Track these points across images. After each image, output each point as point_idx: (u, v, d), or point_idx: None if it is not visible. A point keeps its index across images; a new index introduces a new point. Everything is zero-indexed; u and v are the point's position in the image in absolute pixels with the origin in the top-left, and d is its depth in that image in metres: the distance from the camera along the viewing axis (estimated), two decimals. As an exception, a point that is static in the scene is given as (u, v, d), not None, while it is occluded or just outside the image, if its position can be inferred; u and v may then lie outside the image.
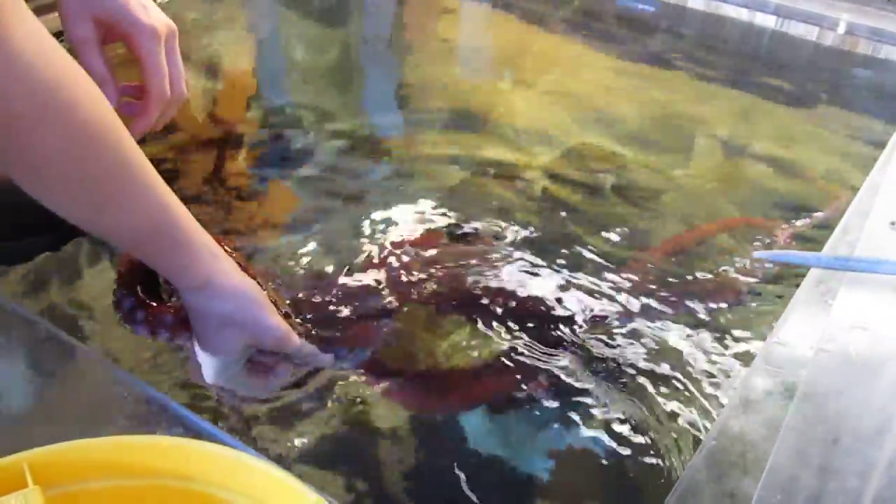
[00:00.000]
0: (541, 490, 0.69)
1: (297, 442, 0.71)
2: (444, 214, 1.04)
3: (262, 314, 0.63)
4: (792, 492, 0.50)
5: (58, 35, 0.53)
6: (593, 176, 1.17)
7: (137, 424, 0.53)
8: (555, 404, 0.76)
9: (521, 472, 0.70)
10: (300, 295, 0.80)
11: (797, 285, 0.74)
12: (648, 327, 0.85)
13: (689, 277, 0.94)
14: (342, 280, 0.87)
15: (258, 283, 0.65)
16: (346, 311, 0.80)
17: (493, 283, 0.89)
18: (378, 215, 1.03)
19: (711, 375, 0.79)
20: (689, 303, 0.89)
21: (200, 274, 0.61)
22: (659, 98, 1.45)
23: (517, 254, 0.95)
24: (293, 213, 1.07)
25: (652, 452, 0.71)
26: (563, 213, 1.07)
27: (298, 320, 0.72)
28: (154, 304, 0.66)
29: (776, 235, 1.03)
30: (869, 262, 0.74)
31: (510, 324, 0.83)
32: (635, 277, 0.92)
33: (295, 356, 0.68)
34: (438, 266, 0.90)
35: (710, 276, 0.95)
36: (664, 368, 0.80)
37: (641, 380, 0.78)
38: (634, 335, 0.84)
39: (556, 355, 0.80)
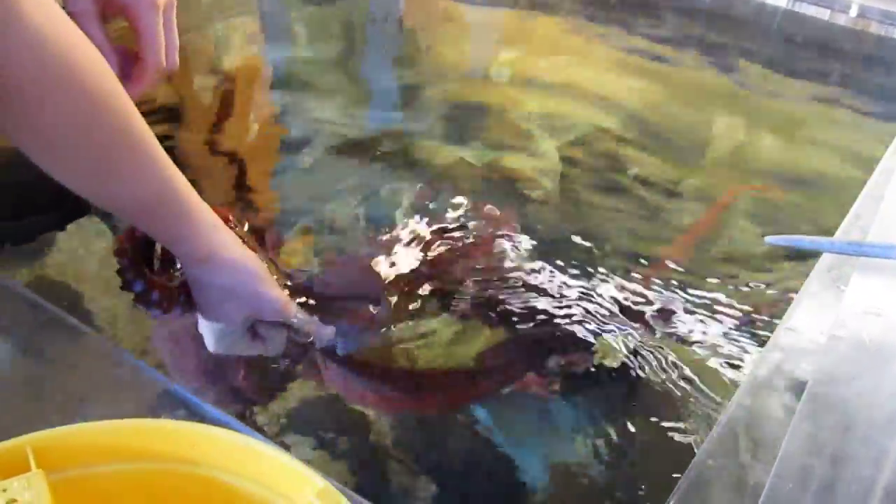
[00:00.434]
0: (552, 472, 0.69)
1: (301, 428, 0.71)
2: (448, 203, 1.02)
3: (263, 287, 0.65)
4: (805, 480, 0.49)
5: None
6: (606, 162, 1.16)
7: (142, 408, 0.53)
8: (563, 391, 0.75)
9: (529, 462, 0.69)
10: (292, 273, 0.79)
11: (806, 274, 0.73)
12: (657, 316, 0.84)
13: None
14: (339, 261, 0.86)
15: (258, 256, 0.66)
16: (340, 294, 0.79)
17: (497, 276, 0.87)
18: (379, 202, 1.02)
19: (723, 362, 0.78)
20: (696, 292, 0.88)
21: (202, 247, 0.62)
22: (669, 81, 1.43)
23: (525, 245, 0.93)
24: (290, 199, 1.05)
25: (662, 439, 0.70)
26: (576, 204, 1.05)
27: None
28: (161, 281, 0.66)
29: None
30: (882, 248, 0.72)
31: (514, 319, 0.82)
32: (653, 273, 0.91)
33: (296, 328, 0.69)
34: (439, 256, 0.89)
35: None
36: (673, 356, 0.79)
37: (649, 367, 0.78)
38: (645, 327, 0.83)
39: (564, 344, 0.79)
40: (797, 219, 1.09)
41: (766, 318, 0.84)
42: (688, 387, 0.76)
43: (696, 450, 0.68)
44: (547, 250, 0.93)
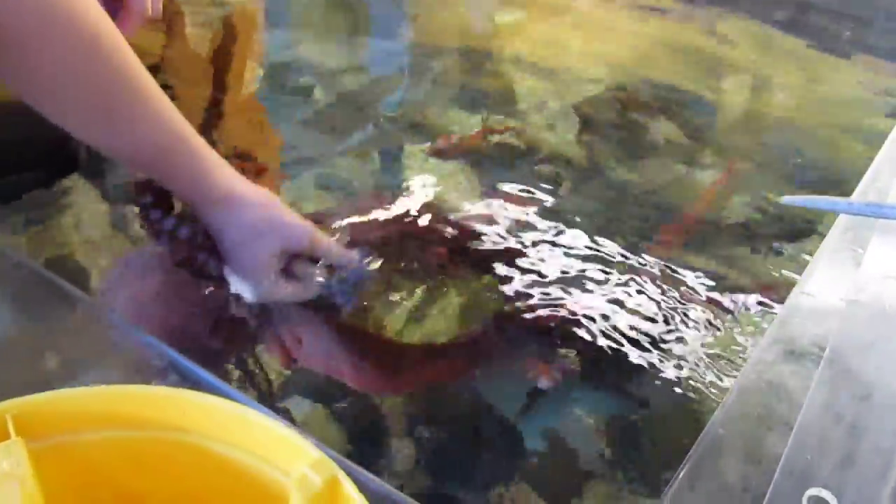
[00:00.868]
0: (554, 442, 0.67)
1: (297, 396, 0.69)
2: (459, 168, 0.98)
3: (291, 216, 0.64)
4: (824, 451, 0.47)
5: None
6: (624, 119, 1.12)
7: (132, 373, 0.51)
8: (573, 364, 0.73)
9: (532, 431, 0.67)
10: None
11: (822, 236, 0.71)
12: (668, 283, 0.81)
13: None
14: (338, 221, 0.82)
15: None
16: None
17: (505, 248, 0.84)
18: (386, 165, 0.99)
19: (736, 329, 0.76)
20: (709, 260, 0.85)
21: (221, 185, 0.61)
22: (680, 37, 1.39)
23: (534, 218, 0.89)
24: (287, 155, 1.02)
25: (673, 408, 0.68)
26: (594, 167, 1.01)
27: None
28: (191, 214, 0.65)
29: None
30: (903, 209, 0.70)
31: (519, 286, 0.79)
32: (659, 247, 0.87)
33: (325, 256, 0.67)
34: (443, 223, 0.86)
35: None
36: (684, 322, 0.76)
37: (660, 337, 0.75)
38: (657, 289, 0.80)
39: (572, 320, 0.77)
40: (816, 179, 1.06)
41: (779, 283, 0.82)
42: (698, 352, 0.73)
43: (708, 418, 0.66)
44: (559, 222, 0.89)
